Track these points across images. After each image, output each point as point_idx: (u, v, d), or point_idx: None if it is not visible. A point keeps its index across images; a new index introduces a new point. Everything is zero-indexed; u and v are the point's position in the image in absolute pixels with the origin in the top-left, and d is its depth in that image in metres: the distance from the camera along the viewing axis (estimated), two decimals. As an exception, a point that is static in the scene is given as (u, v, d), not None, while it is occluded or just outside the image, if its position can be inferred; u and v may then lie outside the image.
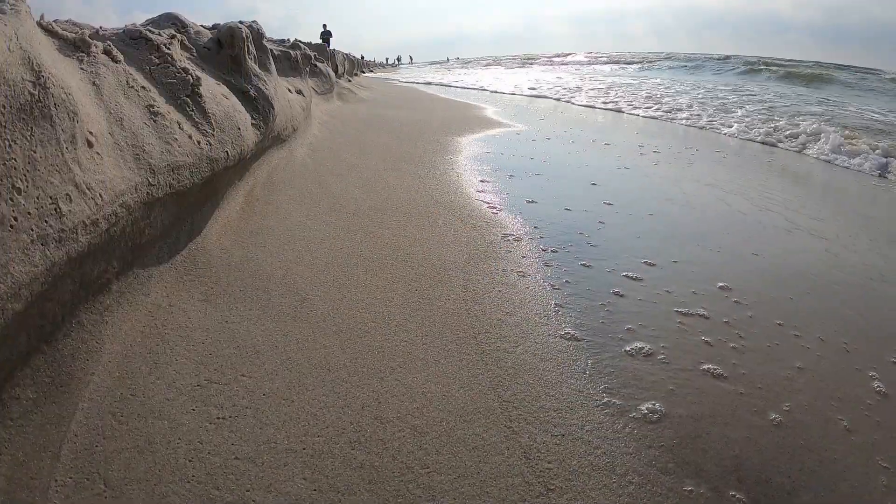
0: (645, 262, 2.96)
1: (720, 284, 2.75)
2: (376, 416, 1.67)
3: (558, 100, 14.34)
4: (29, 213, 1.42)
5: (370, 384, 1.82)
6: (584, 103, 13.39)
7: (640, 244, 3.26)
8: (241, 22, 4.98)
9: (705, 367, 2.05)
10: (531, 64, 45.37)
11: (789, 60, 31.45)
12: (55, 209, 1.51)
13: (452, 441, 1.60)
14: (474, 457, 1.55)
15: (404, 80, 25.71)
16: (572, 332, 2.21)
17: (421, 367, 1.92)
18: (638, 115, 11.59)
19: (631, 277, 2.76)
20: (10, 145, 1.40)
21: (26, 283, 1.39)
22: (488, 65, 48.57)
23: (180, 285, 2.25)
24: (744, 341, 2.24)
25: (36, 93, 1.50)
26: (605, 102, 13.18)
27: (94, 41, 2.22)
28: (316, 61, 8.85)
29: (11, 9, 1.58)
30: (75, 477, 1.39)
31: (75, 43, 2.12)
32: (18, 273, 1.36)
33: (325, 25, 23.90)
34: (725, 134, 9.52)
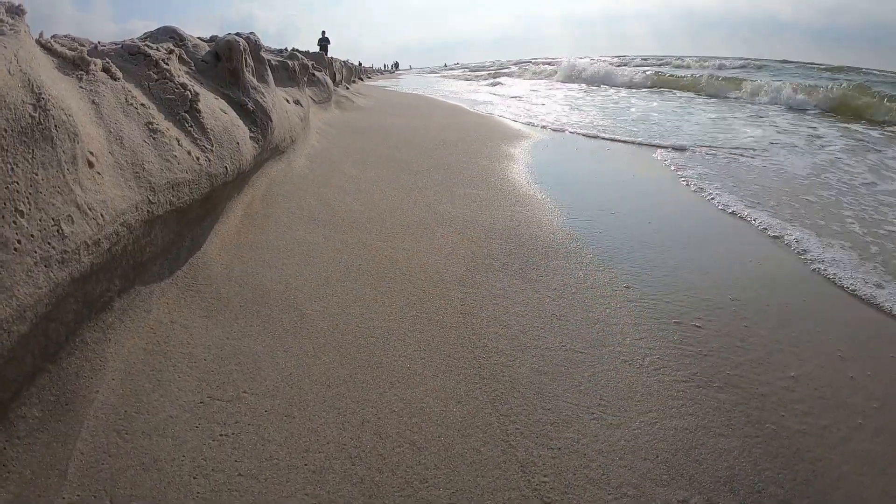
0: (643, 272, 2.99)
1: (718, 293, 2.78)
2: (376, 432, 1.70)
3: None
4: (32, 236, 1.45)
5: (369, 400, 1.85)
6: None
7: (639, 253, 3.29)
8: (238, 34, 5.02)
9: (700, 377, 2.07)
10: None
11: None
12: (57, 231, 1.54)
13: (450, 456, 1.63)
14: (472, 471, 1.58)
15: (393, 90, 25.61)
16: (569, 344, 2.24)
17: (419, 382, 1.95)
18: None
19: (628, 287, 2.79)
20: (12, 168, 1.43)
21: (31, 305, 1.42)
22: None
23: (182, 301, 2.28)
24: (739, 351, 2.27)
25: (37, 115, 1.53)
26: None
27: (93, 59, 2.25)
28: (314, 70, 8.90)
29: (11, 30, 1.61)
30: (82, 495, 1.42)
31: (74, 61, 2.15)
32: (23, 296, 1.39)
33: (323, 32, 24.14)
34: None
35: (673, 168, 5.93)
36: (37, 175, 1.50)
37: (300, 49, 10.50)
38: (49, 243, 1.50)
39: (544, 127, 9.11)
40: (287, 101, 5.64)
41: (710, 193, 4.84)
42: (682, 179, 5.40)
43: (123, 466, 1.51)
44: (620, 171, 5.78)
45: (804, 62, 32.88)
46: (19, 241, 1.40)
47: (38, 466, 1.43)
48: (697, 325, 2.45)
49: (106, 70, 2.32)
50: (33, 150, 1.50)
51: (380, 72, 64.04)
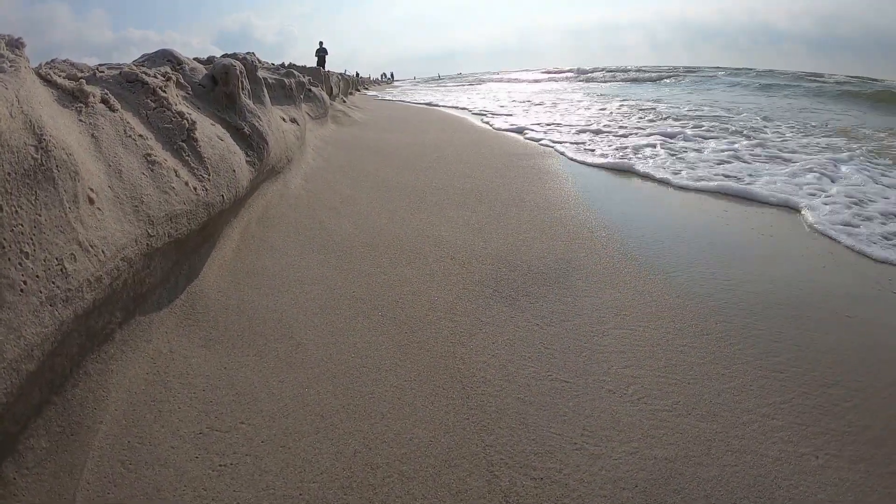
0: (632, 298, 3.06)
1: (704, 319, 2.84)
2: (367, 462, 1.77)
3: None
4: (37, 276, 1.49)
5: (361, 430, 1.92)
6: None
7: (627, 278, 3.36)
8: (235, 55, 5.11)
9: (683, 406, 2.14)
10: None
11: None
12: (61, 270, 1.58)
13: (437, 486, 1.70)
14: (457, 501, 1.65)
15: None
16: (555, 374, 2.31)
17: (409, 413, 2.02)
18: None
19: (616, 314, 2.86)
20: (16, 211, 1.46)
21: (38, 343, 1.47)
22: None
23: (180, 330, 2.34)
24: (723, 378, 2.32)
25: (38, 157, 1.56)
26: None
27: (92, 89, 2.27)
28: (310, 86, 8.97)
29: (12, 66, 1.63)
30: (88, 526, 1.48)
31: (73, 93, 2.17)
32: (30, 335, 1.44)
33: (321, 43, 24.30)
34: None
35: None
36: (40, 216, 1.54)
37: (298, 59, 10.62)
38: (53, 282, 1.54)
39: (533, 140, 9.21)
40: (283, 119, 5.71)
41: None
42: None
43: (128, 496, 1.57)
44: (615, 191, 5.87)
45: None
46: (25, 282, 1.44)
47: (46, 496, 1.48)
48: (682, 350, 2.51)
49: (104, 101, 2.36)
50: (36, 192, 1.54)
51: (377, 82, 64.70)
